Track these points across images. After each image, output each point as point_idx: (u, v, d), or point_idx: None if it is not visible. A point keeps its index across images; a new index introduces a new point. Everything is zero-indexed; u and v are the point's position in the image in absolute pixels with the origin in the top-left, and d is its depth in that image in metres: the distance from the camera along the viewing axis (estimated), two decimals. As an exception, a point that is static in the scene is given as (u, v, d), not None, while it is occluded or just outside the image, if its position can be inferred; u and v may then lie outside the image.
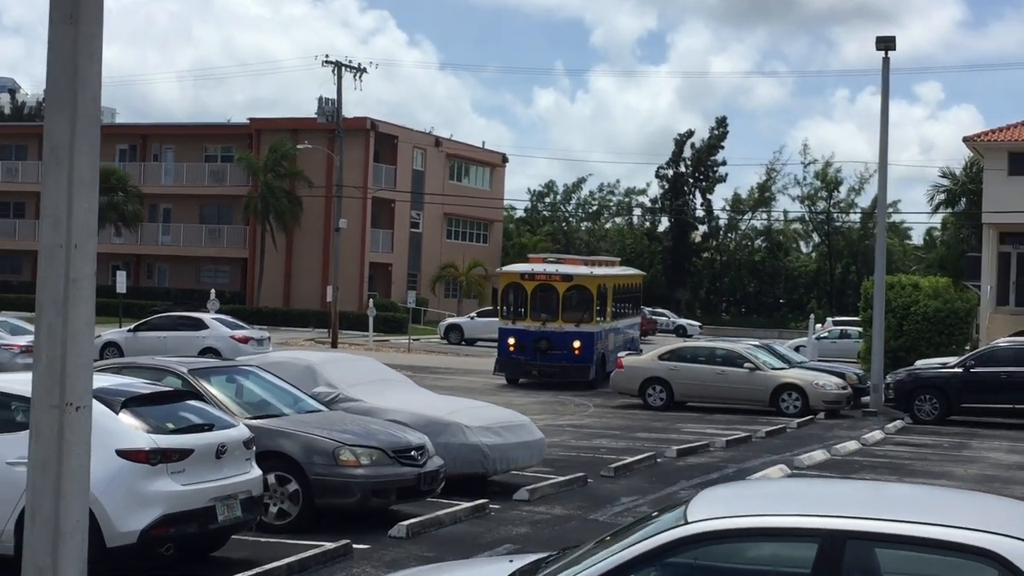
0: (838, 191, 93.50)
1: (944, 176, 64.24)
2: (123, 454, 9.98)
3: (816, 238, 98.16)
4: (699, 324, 77.23)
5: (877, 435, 23.89)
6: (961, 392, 27.11)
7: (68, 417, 6.92)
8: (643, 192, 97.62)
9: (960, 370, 27.39)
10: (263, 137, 66.37)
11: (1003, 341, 29.80)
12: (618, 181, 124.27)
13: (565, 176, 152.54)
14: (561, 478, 15.64)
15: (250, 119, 68.76)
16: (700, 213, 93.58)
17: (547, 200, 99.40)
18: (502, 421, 15.30)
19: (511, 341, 33.54)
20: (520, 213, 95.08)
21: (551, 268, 34.26)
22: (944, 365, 28.64)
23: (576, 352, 33.01)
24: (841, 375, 30.57)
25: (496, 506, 13.91)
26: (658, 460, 18.64)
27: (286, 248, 65.15)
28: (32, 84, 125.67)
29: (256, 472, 11.02)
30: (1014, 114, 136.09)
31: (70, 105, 6.92)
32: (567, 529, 13.05)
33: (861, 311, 44.10)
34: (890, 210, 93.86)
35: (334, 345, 50.17)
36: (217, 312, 41.78)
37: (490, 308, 61.31)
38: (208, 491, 10.32)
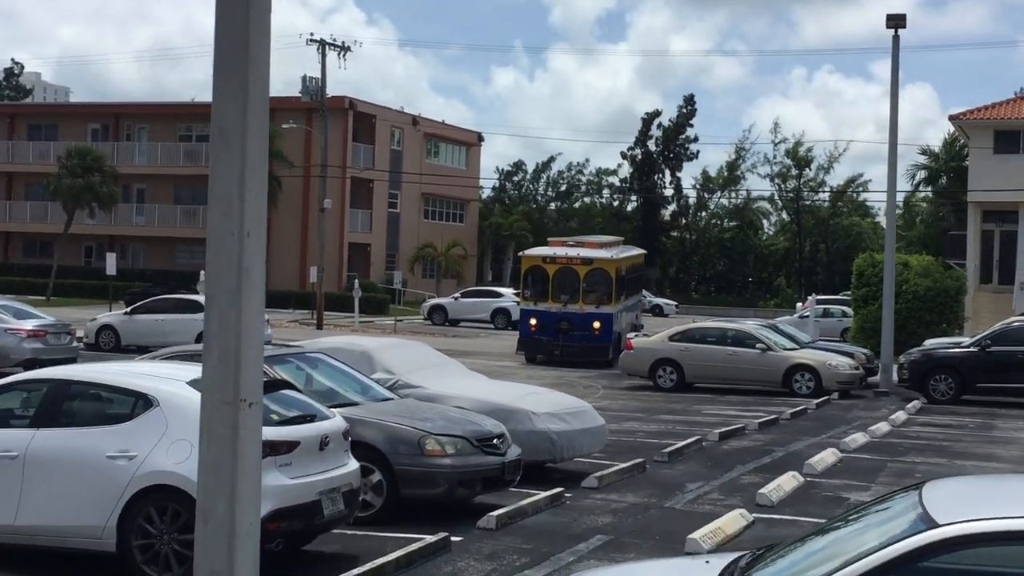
0: (808, 169, 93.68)
1: (924, 154, 64.46)
2: (230, 447, 9.59)
3: (785, 216, 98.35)
4: (675, 304, 77.23)
5: (902, 416, 23.81)
6: (977, 372, 27.10)
7: (243, 414, 6.56)
8: (613, 172, 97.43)
9: (976, 349, 27.35)
10: (239, 116, 65.41)
11: (1017, 320, 29.81)
12: (588, 160, 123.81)
13: (526, 155, 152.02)
14: (622, 464, 15.38)
15: (226, 98, 67.71)
16: (670, 192, 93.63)
17: (515, 179, 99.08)
18: (567, 407, 15.02)
19: (533, 322, 35.04)
20: (488, 192, 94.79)
21: (572, 252, 35.43)
22: (958, 345, 28.57)
23: (596, 332, 34.43)
24: (850, 355, 30.51)
25: (568, 494, 13.63)
26: (703, 444, 18.41)
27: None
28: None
29: (354, 464, 10.67)
30: (967, 93, 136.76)
31: (240, 84, 6.55)
32: (650, 519, 12.80)
33: (853, 289, 44.04)
34: (860, 188, 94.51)
35: (319, 327, 49.66)
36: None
37: (474, 288, 61.07)
38: (315, 484, 9.97)
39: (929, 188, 65.80)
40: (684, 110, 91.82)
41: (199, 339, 32.68)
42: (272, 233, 64.92)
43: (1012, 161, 49.20)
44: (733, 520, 12.14)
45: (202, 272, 51.04)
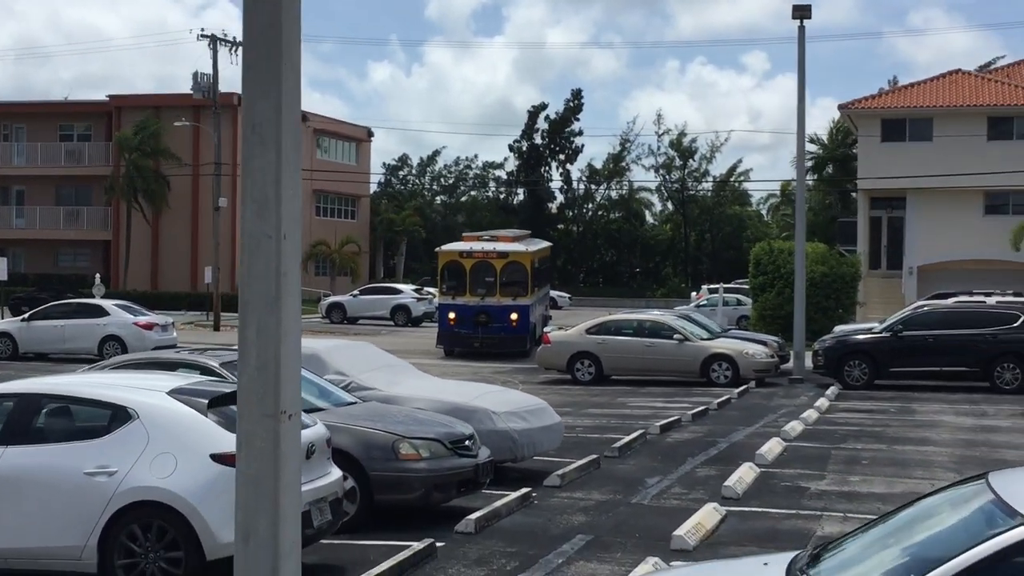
0: (692, 159, 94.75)
1: (812, 142, 65.68)
2: (218, 459, 9.20)
3: (670, 206, 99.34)
4: (568, 296, 77.50)
5: (824, 403, 24.10)
6: (890, 357, 27.59)
7: (283, 427, 6.25)
8: (500, 166, 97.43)
9: (888, 335, 27.84)
10: (124, 114, 63.89)
11: (925, 304, 30.46)
12: (476, 155, 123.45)
13: (407, 150, 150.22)
14: (579, 462, 15.22)
15: (110, 96, 66.05)
16: (558, 184, 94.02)
17: (401, 174, 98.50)
18: (526, 405, 14.83)
19: (451, 316, 35.85)
20: (373, 188, 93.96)
21: (488, 246, 36.64)
22: (870, 331, 29.03)
23: (513, 324, 35.40)
24: (763, 343, 30.84)
25: (535, 494, 13.43)
26: (647, 437, 18.37)
27: (153, 229, 62.92)
28: None
29: (337, 473, 10.34)
30: (837, 84, 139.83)
31: (274, 76, 6.21)
32: (623, 516, 12.68)
33: (751, 277, 44.58)
34: (741, 177, 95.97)
35: (216, 328, 48.73)
36: (103, 297, 40.00)
37: (372, 286, 60.42)
38: (304, 495, 9.53)
39: (815, 176, 66.94)
40: (571, 104, 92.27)
41: (104, 343, 31.94)
42: (160, 234, 63.60)
43: (899, 149, 50.41)
44: (708, 515, 12.08)
45: (98, 276, 49.74)
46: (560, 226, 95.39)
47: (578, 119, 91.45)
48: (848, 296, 43.41)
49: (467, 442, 12.29)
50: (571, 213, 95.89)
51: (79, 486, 9.25)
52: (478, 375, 29.32)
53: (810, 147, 66.31)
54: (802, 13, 30.42)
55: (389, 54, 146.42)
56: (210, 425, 9.38)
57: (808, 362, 30.10)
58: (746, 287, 53.52)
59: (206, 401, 9.59)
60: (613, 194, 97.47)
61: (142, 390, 9.77)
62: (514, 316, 35.34)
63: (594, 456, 15.76)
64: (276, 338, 6.21)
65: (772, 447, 16.79)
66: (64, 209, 66.49)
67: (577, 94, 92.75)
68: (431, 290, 58.14)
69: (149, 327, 32.64)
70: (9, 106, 69.91)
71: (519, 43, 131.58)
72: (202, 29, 49.72)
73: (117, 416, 9.48)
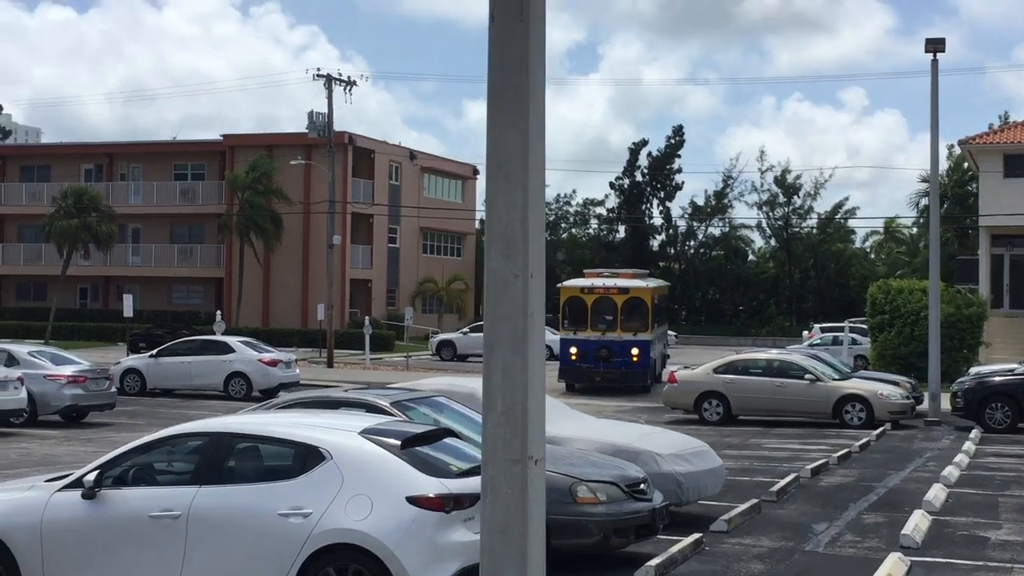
0: (797, 196, 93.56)
1: (925, 180, 64.39)
2: (414, 501, 8.99)
3: (774, 243, 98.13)
4: (675, 334, 76.74)
5: (971, 447, 23.32)
6: (1034, 399, 26.66)
7: (531, 472, 6.01)
8: (600, 203, 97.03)
9: (1033, 376, 26.95)
10: (237, 154, 64.84)
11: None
12: (575, 191, 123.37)
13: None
14: (742, 506, 14.78)
15: (223, 135, 67.13)
16: (658, 222, 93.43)
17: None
18: (688, 447, 14.45)
19: (573, 351, 36.11)
20: (476, 225, 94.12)
21: (609, 282, 36.75)
22: (1012, 372, 28.14)
23: (635, 359, 35.68)
24: (895, 383, 30.06)
25: (704, 540, 13.04)
26: (800, 481, 17.87)
27: (264, 266, 63.64)
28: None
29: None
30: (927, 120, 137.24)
31: (521, 113, 6.03)
32: (801, 564, 12.27)
33: (868, 317, 43.73)
34: (847, 214, 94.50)
35: (330, 365, 48.95)
36: (224, 333, 40.40)
37: (482, 323, 60.34)
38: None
39: (924, 215, 65.62)
40: (672, 140, 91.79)
41: (229, 380, 32.15)
42: (271, 271, 64.33)
43: (1023, 185, 49.13)
44: (896, 565, 11.62)
45: (218, 313, 50.36)
46: (662, 263, 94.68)
47: (679, 156, 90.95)
48: (973, 336, 42.40)
49: (642, 485, 11.96)
50: (672, 250, 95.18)
51: (274, 527, 9.11)
52: (601, 413, 28.96)
53: (921, 185, 64.93)
54: (935, 46, 29.73)
55: (484, 92, 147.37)
56: (404, 466, 9.19)
57: (944, 403, 29.29)
58: (859, 326, 52.50)
59: (399, 442, 9.41)
60: (716, 231, 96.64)
61: (334, 430, 9.62)
62: (635, 351, 35.63)
63: (755, 500, 15.31)
64: (523, 381, 6.02)
65: (937, 493, 16.19)
66: (178, 247, 67.58)
67: (678, 131, 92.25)
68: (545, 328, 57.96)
69: (274, 364, 32.81)
70: (126, 147, 71.46)
71: (614, 80, 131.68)
72: (318, 69, 50.22)
73: (310, 456, 9.33)
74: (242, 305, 62.58)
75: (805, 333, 63.97)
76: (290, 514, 9.10)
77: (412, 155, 70.65)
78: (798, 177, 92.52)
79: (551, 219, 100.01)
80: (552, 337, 45.47)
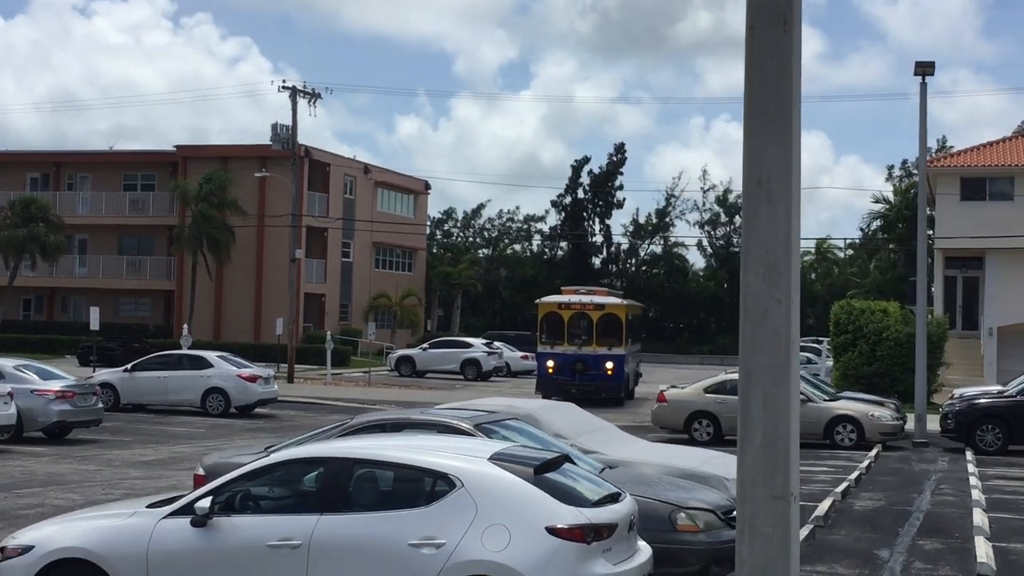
0: (738, 215, 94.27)
1: (878, 202, 65.13)
2: (555, 532, 8.63)
3: (714, 264, 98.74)
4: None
5: (972, 468, 23.38)
6: (1024, 421, 26.87)
7: (792, 510, 5.71)
8: (542, 219, 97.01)
9: (1022, 398, 27.15)
10: (190, 165, 63.83)
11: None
12: (518, 208, 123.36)
13: (437, 202, 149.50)
14: (802, 532, 14.56)
15: (176, 146, 66.07)
16: (599, 240, 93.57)
17: (445, 227, 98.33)
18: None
19: (550, 364, 37.48)
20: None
21: (585, 299, 38.30)
22: (1001, 394, 28.34)
23: (609, 372, 37.09)
24: (880, 404, 30.16)
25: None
26: (837, 505, 17.73)
27: (216, 280, 62.60)
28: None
29: (648, 548, 9.71)
30: (857, 143, 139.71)
31: (784, 127, 5.77)
32: (888, 591, 12.06)
33: (832, 336, 43.99)
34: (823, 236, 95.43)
35: (290, 380, 48.17)
36: (190, 347, 39.58)
37: (442, 339, 59.77)
38: (631, 572, 9.02)
39: (884, 235, 66.41)
40: (614, 157, 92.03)
41: (207, 395, 31.38)
42: (224, 285, 63.29)
43: (978, 208, 49.76)
44: (990, 593, 11.45)
45: (185, 326, 49.38)
46: (604, 281, 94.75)
47: (622, 173, 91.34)
48: (934, 357, 42.76)
49: (734, 512, 11.68)
50: (614, 268, 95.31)
51: (403, 558, 8.70)
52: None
53: (875, 206, 65.72)
54: (924, 69, 29.94)
55: (416, 107, 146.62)
56: (541, 495, 8.82)
57: (930, 425, 29.44)
58: (811, 345, 52.76)
59: (531, 469, 9.04)
60: (657, 249, 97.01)
61: (463, 455, 9.22)
62: (609, 365, 36.97)
63: (811, 526, 15.11)
64: (785, 412, 5.74)
65: (982, 519, 16.11)
66: (127, 259, 66.32)
67: (620, 148, 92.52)
68: (499, 344, 57.58)
69: (253, 379, 32.15)
70: (74, 155, 70.05)
71: (547, 97, 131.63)
72: (283, 80, 49.61)
73: (438, 483, 8.94)
74: (193, 318, 61.51)
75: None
76: (422, 544, 8.69)
77: (367, 169, 70.06)
78: (739, 197, 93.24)
79: (494, 235, 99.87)
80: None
